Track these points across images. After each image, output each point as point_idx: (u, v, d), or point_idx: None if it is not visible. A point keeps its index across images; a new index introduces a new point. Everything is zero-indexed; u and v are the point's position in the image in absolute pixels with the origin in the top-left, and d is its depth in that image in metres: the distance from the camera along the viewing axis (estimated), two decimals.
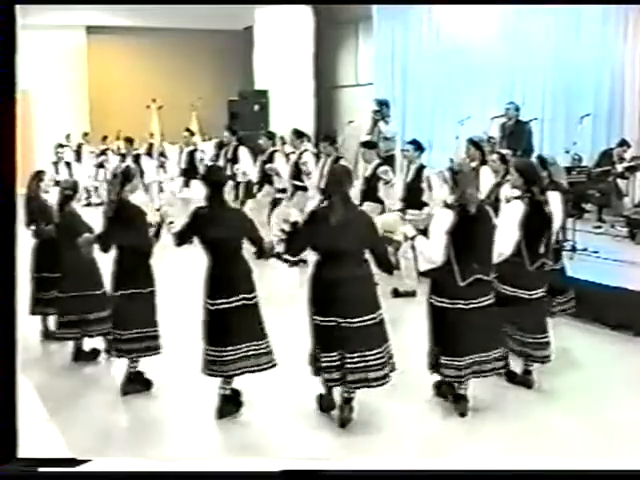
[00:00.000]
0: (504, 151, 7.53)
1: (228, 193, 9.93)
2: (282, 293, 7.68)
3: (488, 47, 12.24)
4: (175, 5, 17.27)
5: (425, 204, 7.33)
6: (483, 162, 6.93)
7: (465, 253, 4.47)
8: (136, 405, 4.93)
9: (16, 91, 3.41)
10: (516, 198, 5.02)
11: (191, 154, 11.09)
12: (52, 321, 6.05)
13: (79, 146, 15.87)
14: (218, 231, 4.52)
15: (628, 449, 4.17)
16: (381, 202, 7.76)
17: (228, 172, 10.00)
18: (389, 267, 4.71)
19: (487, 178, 6.65)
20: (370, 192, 7.76)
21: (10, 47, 3.39)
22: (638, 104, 10.27)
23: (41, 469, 3.42)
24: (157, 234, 5.05)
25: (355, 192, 7.92)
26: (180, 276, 7.67)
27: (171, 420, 4.74)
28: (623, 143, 9.84)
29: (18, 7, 3.39)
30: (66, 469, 3.48)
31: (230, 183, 10.02)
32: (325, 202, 4.42)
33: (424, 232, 4.68)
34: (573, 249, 7.65)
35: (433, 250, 4.52)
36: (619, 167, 9.46)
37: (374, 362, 4.33)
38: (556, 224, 5.26)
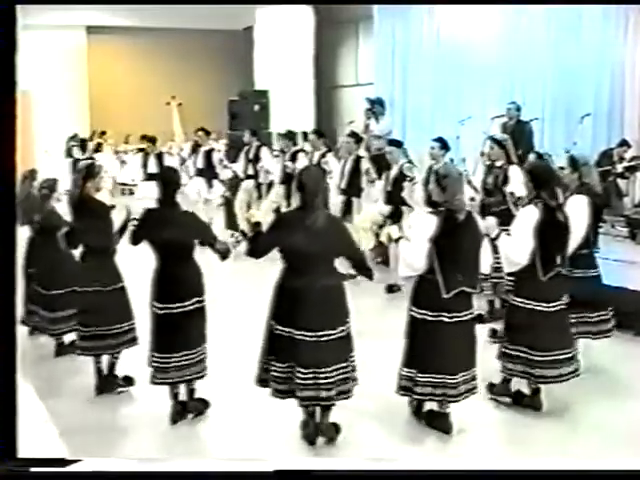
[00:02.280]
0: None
1: (249, 193, 10.06)
2: None
3: (488, 47, 12.23)
4: (175, 5, 17.26)
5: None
6: (509, 162, 6.56)
7: (450, 263, 4.20)
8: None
9: (16, 91, 3.40)
10: (529, 202, 4.69)
11: (208, 154, 11.03)
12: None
13: (99, 145, 15.72)
14: (168, 233, 4.48)
15: (628, 449, 4.17)
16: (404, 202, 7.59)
17: (250, 172, 10.06)
18: (368, 273, 4.39)
19: (518, 178, 6.04)
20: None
21: (10, 47, 3.38)
22: (638, 104, 10.27)
23: (33, 469, 3.41)
24: (121, 232, 5.04)
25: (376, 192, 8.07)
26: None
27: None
28: (623, 143, 9.84)
29: (19, 7, 3.39)
30: (58, 469, 3.47)
31: (251, 183, 10.09)
32: (298, 205, 4.15)
33: None
34: None
35: (414, 256, 4.24)
36: (619, 167, 9.46)
37: (325, 380, 4.06)
38: (577, 230, 4.87)
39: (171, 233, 4.47)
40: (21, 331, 6.06)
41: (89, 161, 6.35)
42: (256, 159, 10.07)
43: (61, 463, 3.53)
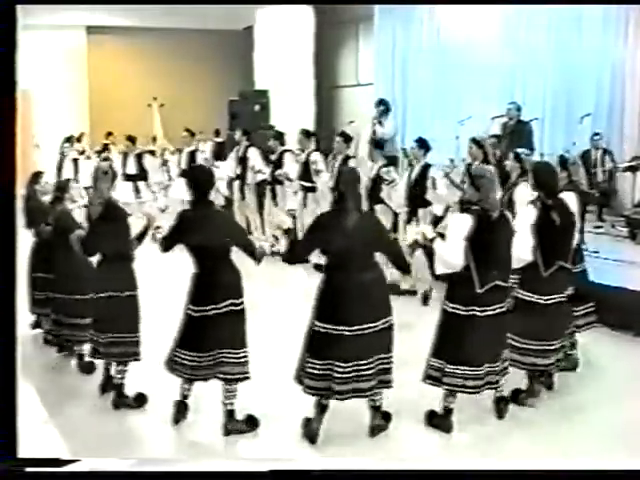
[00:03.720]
0: (520, 150, 7.31)
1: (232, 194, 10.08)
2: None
3: (488, 47, 12.23)
4: (175, 5, 17.26)
5: (429, 203, 7.34)
6: (486, 161, 6.92)
7: (485, 259, 4.36)
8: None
9: (16, 91, 3.40)
10: (531, 202, 4.90)
11: (192, 155, 11.02)
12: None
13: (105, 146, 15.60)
14: (203, 234, 4.36)
15: (628, 449, 4.17)
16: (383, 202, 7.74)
17: (238, 172, 10.08)
18: (406, 267, 4.68)
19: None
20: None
21: (10, 47, 3.38)
22: (638, 104, 10.27)
23: (33, 469, 3.41)
24: (140, 238, 4.91)
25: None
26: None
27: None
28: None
29: (19, 7, 3.39)
30: (58, 469, 3.47)
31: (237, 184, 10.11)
32: (336, 205, 4.31)
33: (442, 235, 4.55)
34: None
35: (452, 254, 4.36)
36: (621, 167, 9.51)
37: (366, 372, 4.20)
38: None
39: (206, 234, 4.36)
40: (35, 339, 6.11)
41: (106, 163, 6.28)
42: (245, 159, 10.13)
43: (60, 463, 3.53)
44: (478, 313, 4.37)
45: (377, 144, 8.43)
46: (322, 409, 4.33)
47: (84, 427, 4.64)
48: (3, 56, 3.37)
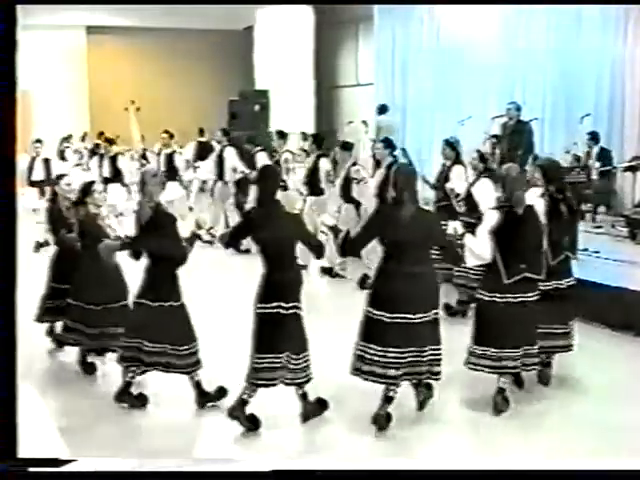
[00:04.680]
0: (483, 150, 7.65)
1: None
2: None
3: (488, 47, 12.24)
4: (175, 5, 17.28)
5: None
6: (457, 162, 7.15)
7: (511, 252, 4.61)
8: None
9: (16, 91, 3.40)
10: (540, 196, 5.12)
11: (170, 156, 11.06)
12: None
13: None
14: (272, 233, 4.39)
15: (629, 449, 4.17)
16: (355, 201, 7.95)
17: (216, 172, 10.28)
18: (457, 259, 4.92)
19: (460, 176, 7.01)
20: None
21: (10, 47, 3.38)
22: (638, 104, 10.27)
23: (33, 469, 3.41)
24: (192, 243, 4.79)
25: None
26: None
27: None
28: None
29: (19, 7, 3.39)
30: (57, 469, 3.47)
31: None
32: (392, 200, 4.51)
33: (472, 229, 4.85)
34: None
35: (482, 248, 4.66)
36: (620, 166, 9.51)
37: (419, 359, 4.39)
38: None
39: (274, 231, 4.38)
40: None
41: (153, 168, 6.02)
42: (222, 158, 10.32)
43: (60, 463, 3.53)
44: (511, 300, 4.64)
45: (344, 145, 8.59)
46: (388, 400, 4.45)
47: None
48: (3, 56, 3.37)
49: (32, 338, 6.05)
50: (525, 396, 4.94)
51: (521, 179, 4.92)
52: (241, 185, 10.08)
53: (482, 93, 12.27)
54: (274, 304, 4.37)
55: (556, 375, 5.18)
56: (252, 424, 4.46)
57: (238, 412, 4.40)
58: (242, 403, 4.40)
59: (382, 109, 12.42)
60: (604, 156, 9.91)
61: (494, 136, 9.40)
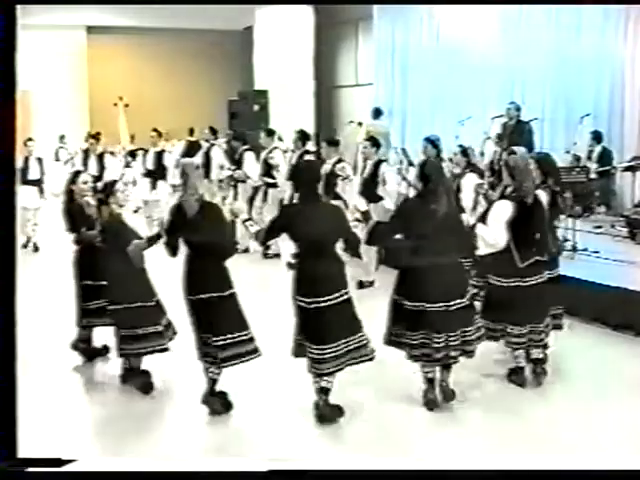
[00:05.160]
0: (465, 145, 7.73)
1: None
2: None
3: (488, 47, 12.25)
4: (175, 5, 17.27)
5: (381, 198, 7.73)
6: (439, 159, 7.21)
7: (523, 239, 4.95)
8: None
9: (16, 91, 3.40)
10: (542, 189, 5.34)
11: (159, 155, 11.04)
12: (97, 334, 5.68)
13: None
14: (313, 227, 4.40)
15: (629, 449, 4.17)
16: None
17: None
18: (475, 251, 5.10)
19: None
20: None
21: (10, 47, 3.38)
22: (638, 104, 10.28)
23: (32, 469, 3.41)
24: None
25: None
26: None
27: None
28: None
29: (19, 7, 3.39)
30: (57, 469, 3.47)
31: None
32: (421, 193, 4.67)
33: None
34: (573, 249, 7.66)
35: (496, 236, 4.92)
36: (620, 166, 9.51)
37: (454, 342, 4.61)
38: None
39: (315, 227, 4.38)
40: None
41: (194, 160, 5.90)
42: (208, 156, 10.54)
43: (60, 463, 3.53)
44: (521, 284, 4.99)
45: (330, 142, 8.53)
46: (430, 381, 4.74)
47: None
48: (3, 56, 3.37)
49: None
50: (523, 394, 4.96)
51: (529, 171, 5.18)
52: (226, 183, 10.18)
53: (482, 93, 12.27)
54: (324, 297, 4.41)
55: (554, 374, 5.18)
56: (339, 411, 4.57)
57: (323, 403, 4.53)
58: (323, 391, 4.51)
59: (377, 113, 12.34)
60: (606, 155, 9.93)
61: (497, 135, 9.42)
